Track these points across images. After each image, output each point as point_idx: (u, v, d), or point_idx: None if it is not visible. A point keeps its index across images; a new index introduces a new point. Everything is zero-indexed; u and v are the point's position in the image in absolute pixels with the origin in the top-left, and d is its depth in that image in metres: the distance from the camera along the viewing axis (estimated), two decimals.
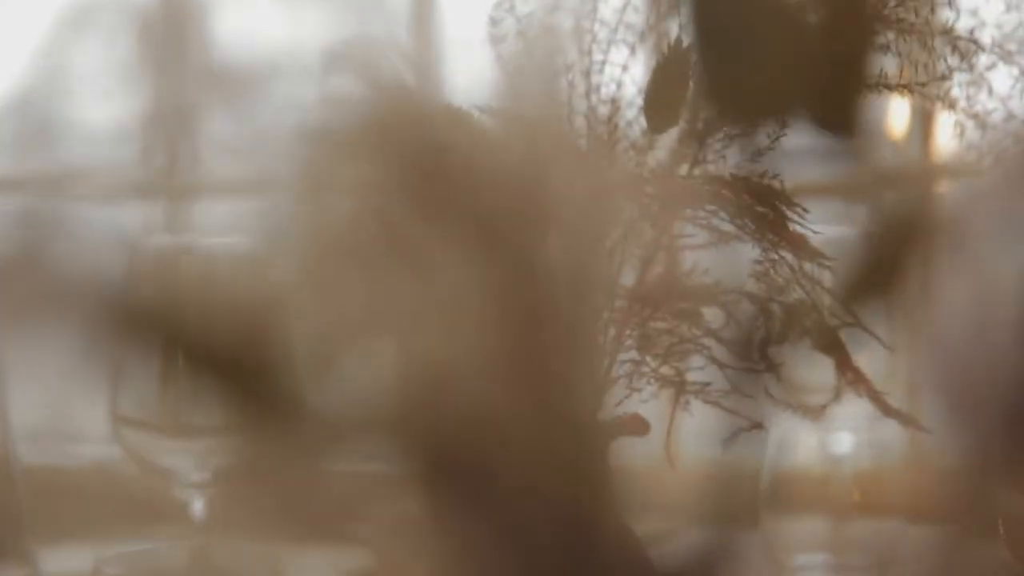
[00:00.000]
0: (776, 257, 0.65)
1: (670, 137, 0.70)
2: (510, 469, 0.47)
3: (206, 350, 0.48)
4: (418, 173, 0.49)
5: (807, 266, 0.66)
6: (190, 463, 0.90)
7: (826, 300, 0.65)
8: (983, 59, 0.69)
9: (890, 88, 0.70)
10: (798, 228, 0.66)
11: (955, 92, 0.70)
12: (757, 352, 0.68)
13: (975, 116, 0.70)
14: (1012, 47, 0.69)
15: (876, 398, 0.65)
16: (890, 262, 0.56)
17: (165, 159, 0.99)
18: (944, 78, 0.69)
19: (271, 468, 0.50)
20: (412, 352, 0.47)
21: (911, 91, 0.69)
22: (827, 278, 0.65)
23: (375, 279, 0.48)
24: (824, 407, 0.70)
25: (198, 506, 0.90)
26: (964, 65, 0.69)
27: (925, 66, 0.69)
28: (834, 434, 1.04)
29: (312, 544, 0.91)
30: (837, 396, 0.70)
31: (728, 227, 0.66)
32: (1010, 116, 0.70)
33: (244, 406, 0.48)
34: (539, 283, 0.48)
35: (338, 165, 0.50)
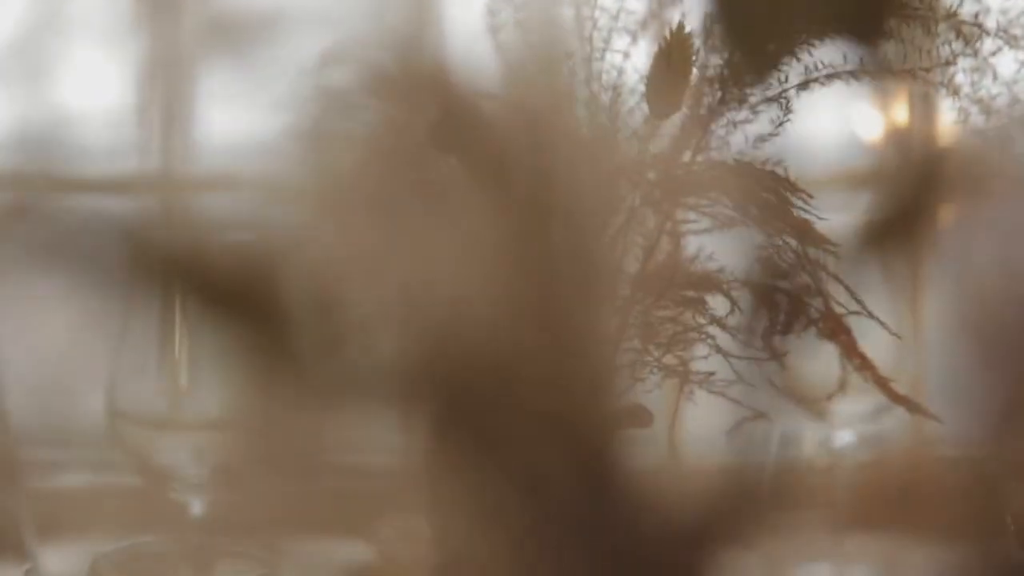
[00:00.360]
0: (780, 243, 0.64)
1: (673, 125, 0.69)
2: (525, 408, 0.46)
3: (214, 292, 0.48)
4: (429, 115, 0.48)
5: (812, 251, 0.65)
6: (188, 459, 0.89)
7: (832, 286, 0.64)
8: (988, 44, 0.69)
9: (893, 74, 0.69)
10: (803, 214, 0.66)
11: (959, 78, 0.69)
12: (762, 341, 0.67)
13: (979, 102, 0.69)
14: (1017, 32, 0.69)
15: (883, 384, 0.64)
16: (913, 208, 0.56)
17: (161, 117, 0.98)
18: (948, 63, 0.68)
19: (282, 419, 0.49)
20: (425, 292, 0.47)
21: (915, 77, 0.69)
22: (832, 263, 0.65)
23: (387, 220, 0.48)
24: (829, 397, 0.70)
25: (196, 502, 0.89)
26: (968, 50, 0.69)
27: (929, 52, 0.69)
28: (836, 432, 1.04)
29: (311, 538, 0.90)
30: (842, 387, 0.69)
31: (732, 213, 0.66)
32: (1015, 101, 0.69)
33: (254, 349, 0.48)
34: (552, 223, 0.48)
35: (348, 110, 0.49)
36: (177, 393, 0.89)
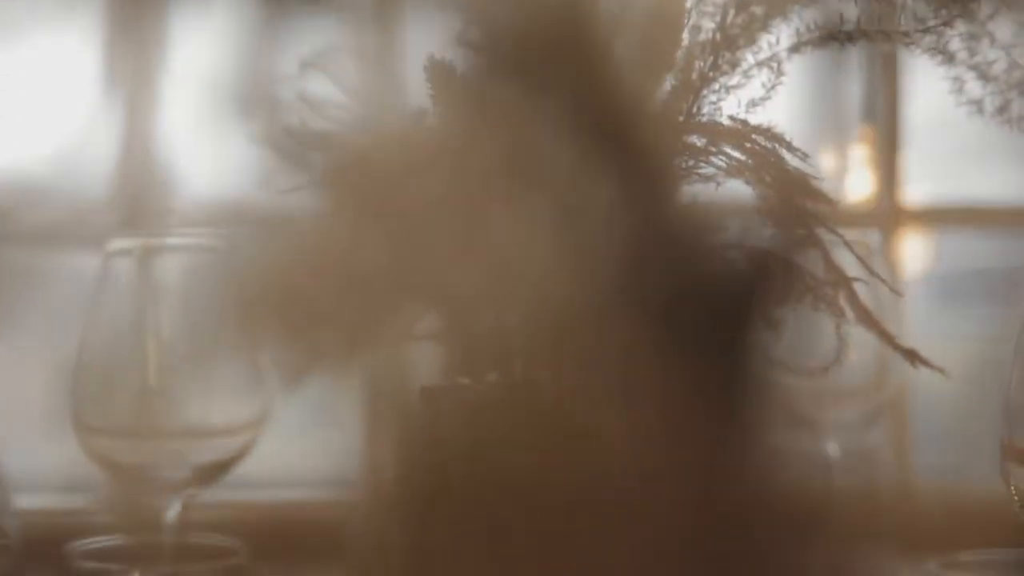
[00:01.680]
0: (778, 197, 0.63)
1: (663, 91, 0.68)
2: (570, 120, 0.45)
3: None
4: None
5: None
6: (165, 464, 0.87)
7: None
8: (984, 8, 0.67)
9: (889, 38, 0.68)
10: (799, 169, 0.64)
11: (955, 43, 0.68)
12: (758, 311, 0.65)
13: (976, 67, 0.68)
14: None
15: (885, 335, 0.62)
16: None
17: None
18: (945, 26, 0.67)
19: None
20: None
21: (911, 42, 0.68)
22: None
23: None
24: (826, 368, 0.68)
25: (173, 507, 0.87)
26: (965, 14, 0.67)
27: (923, 17, 0.68)
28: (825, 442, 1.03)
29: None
30: (839, 357, 0.67)
31: (727, 170, 0.64)
32: (1013, 66, 0.68)
33: None
34: None
35: None
36: (149, 398, 0.87)
